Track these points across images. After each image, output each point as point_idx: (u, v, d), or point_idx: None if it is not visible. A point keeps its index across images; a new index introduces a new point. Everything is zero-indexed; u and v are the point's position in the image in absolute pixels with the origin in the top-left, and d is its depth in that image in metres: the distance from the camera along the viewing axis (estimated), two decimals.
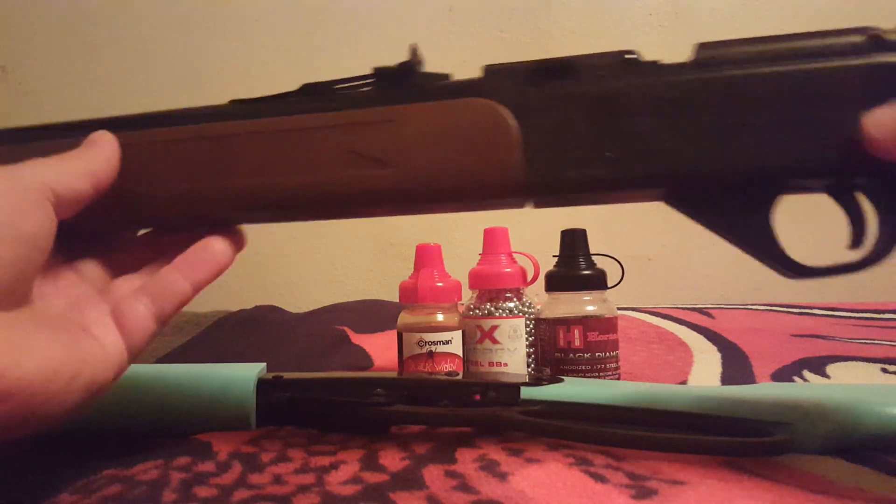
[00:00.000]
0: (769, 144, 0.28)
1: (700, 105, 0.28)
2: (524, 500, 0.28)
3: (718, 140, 0.28)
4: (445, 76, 0.32)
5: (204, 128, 0.32)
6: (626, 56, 0.30)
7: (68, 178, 0.29)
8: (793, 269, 0.29)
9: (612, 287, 0.52)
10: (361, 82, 0.32)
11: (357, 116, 0.31)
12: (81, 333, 0.28)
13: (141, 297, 0.30)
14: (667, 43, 1.21)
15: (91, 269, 0.32)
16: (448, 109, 0.30)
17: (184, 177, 0.32)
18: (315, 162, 0.31)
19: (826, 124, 0.28)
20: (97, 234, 0.34)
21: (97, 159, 0.31)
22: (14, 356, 0.24)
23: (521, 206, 0.31)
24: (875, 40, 0.28)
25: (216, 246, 0.32)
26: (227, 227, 0.33)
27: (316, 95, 0.32)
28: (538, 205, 0.32)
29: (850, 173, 0.29)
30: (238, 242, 0.33)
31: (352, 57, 1.21)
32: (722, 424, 0.34)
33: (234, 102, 0.33)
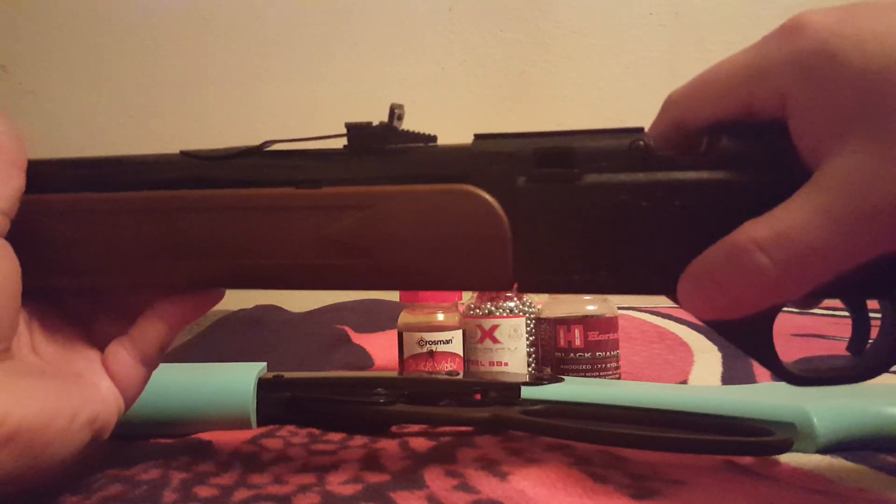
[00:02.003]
0: None
1: (709, 206, 0.25)
2: (524, 500, 0.28)
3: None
4: (430, 138, 0.29)
5: (155, 197, 0.28)
6: (635, 144, 0.26)
7: (1, 186, 0.26)
8: (787, 378, 0.27)
9: None
10: (332, 140, 0.28)
11: (327, 199, 0.27)
12: (75, 378, 0.28)
13: (124, 342, 0.30)
14: (667, 43, 1.21)
15: (76, 311, 0.31)
16: (431, 198, 0.27)
17: (135, 252, 0.28)
18: (281, 246, 0.28)
19: None
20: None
21: (4, 144, 0.27)
22: (13, 401, 0.24)
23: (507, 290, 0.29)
24: None
25: (197, 294, 0.30)
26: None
27: (280, 157, 0.29)
28: (523, 291, 0.29)
29: (863, 289, 0.26)
30: (217, 295, 0.31)
31: (351, 57, 1.21)
32: (722, 424, 0.34)
33: (185, 155, 0.29)
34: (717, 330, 0.27)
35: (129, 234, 0.29)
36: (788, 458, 0.33)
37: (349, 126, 0.28)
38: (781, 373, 0.28)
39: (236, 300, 0.96)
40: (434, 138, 0.29)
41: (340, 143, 0.29)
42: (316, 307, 0.97)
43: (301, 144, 0.29)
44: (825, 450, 0.33)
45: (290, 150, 0.29)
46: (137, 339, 0.30)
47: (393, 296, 0.55)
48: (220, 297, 0.31)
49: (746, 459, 0.33)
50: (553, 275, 0.27)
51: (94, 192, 0.29)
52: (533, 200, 0.26)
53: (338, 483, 0.31)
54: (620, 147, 0.26)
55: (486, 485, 0.30)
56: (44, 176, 0.29)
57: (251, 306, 0.96)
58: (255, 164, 0.29)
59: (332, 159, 0.29)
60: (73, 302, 0.31)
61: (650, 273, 0.26)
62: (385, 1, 1.22)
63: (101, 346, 0.30)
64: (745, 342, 0.27)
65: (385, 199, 0.27)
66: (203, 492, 0.31)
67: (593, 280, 0.27)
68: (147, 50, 1.21)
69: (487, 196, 0.26)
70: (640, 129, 0.27)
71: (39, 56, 1.21)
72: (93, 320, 0.31)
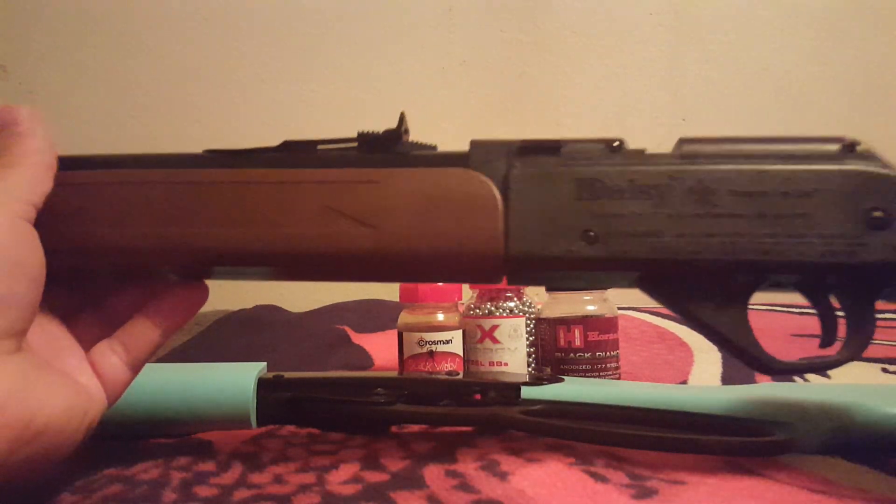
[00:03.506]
0: (744, 235, 0.29)
1: (680, 192, 0.29)
2: (524, 500, 0.28)
3: (696, 227, 0.29)
4: (432, 147, 0.32)
5: (176, 172, 0.31)
6: (613, 144, 0.31)
7: (37, 183, 0.27)
8: (765, 366, 0.30)
9: None
10: (345, 145, 0.32)
11: (339, 175, 0.30)
12: (72, 377, 0.28)
13: (115, 345, 0.30)
14: (667, 43, 1.21)
15: (60, 309, 0.31)
16: (432, 176, 0.30)
17: (152, 221, 0.30)
18: (291, 216, 0.30)
19: (798, 221, 0.29)
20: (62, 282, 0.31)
21: (43, 147, 0.28)
22: (43, 398, 0.24)
23: (497, 280, 0.31)
24: (848, 149, 0.30)
25: (185, 294, 0.31)
26: (193, 280, 0.32)
27: (297, 153, 0.31)
28: (512, 280, 0.32)
29: (821, 272, 0.29)
30: (203, 295, 0.32)
31: (351, 57, 1.21)
32: (722, 424, 0.34)
33: (209, 152, 0.32)
34: (691, 320, 0.30)
35: (155, 207, 0.30)
36: (788, 459, 0.33)
37: (360, 134, 0.31)
38: (758, 360, 0.30)
39: (236, 300, 0.96)
40: (435, 148, 0.32)
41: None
42: (316, 307, 0.97)
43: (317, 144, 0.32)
44: (825, 450, 0.33)
45: (307, 147, 0.32)
46: (128, 343, 0.30)
47: (393, 296, 0.55)
48: (205, 296, 0.32)
49: (746, 459, 0.33)
50: (540, 246, 0.30)
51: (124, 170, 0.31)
52: (523, 180, 0.30)
53: (338, 483, 0.31)
54: (598, 144, 0.31)
55: (486, 485, 0.30)
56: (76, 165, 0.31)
57: (251, 306, 0.96)
58: (274, 157, 0.31)
59: (345, 153, 0.32)
60: (56, 300, 0.31)
61: (624, 246, 0.29)
62: (385, 1, 1.22)
63: (84, 345, 0.30)
64: (719, 330, 0.30)
65: (390, 177, 0.30)
66: (203, 492, 0.31)
67: (575, 252, 0.30)
68: (147, 50, 1.21)
69: (483, 176, 0.30)
70: (620, 139, 0.31)
71: (39, 56, 1.21)
72: (76, 320, 0.31)
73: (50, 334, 0.29)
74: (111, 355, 0.30)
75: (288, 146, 0.31)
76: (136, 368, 0.30)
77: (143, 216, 0.30)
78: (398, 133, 0.31)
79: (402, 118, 0.31)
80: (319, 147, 0.32)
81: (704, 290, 0.30)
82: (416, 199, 0.30)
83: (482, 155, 0.30)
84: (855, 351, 0.30)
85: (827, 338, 0.32)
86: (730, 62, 1.20)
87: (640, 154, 0.31)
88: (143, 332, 0.30)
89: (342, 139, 0.31)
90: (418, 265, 0.30)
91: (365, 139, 0.31)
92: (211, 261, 0.30)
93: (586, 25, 1.23)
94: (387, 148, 0.31)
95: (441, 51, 1.21)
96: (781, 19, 1.20)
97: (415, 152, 0.31)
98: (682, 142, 0.31)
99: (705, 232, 0.29)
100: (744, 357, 0.30)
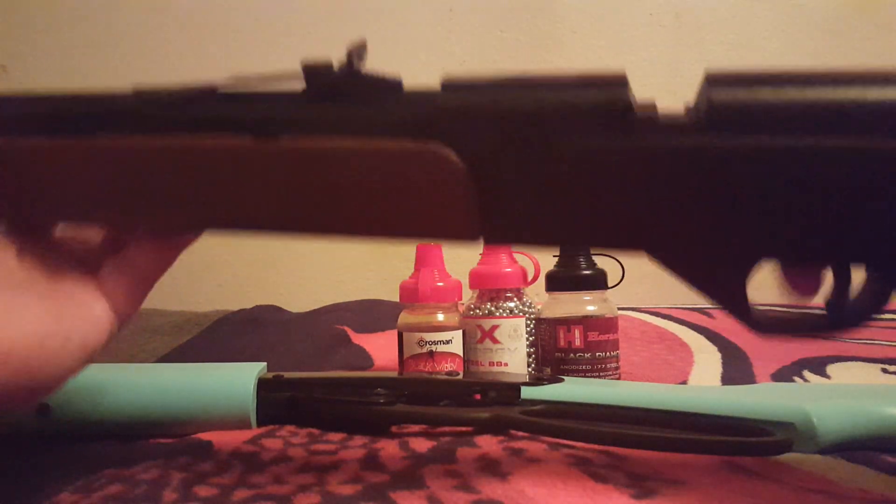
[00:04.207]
0: (770, 228, 0.24)
1: (697, 179, 0.24)
2: (524, 500, 0.28)
3: (708, 218, 0.25)
4: (395, 82, 0.27)
5: (109, 145, 0.27)
6: (613, 103, 0.25)
7: None
8: (755, 327, 0.27)
9: (612, 287, 0.52)
10: (288, 82, 0.27)
11: (289, 153, 0.26)
12: (66, 300, 0.27)
13: (120, 263, 0.29)
14: (667, 43, 1.21)
15: (63, 233, 0.30)
16: (397, 156, 0.25)
17: (89, 196, 0.28)
18: (241, 197, 0.27)
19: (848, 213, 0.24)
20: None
21: None
22: (3, 319, 0.24)
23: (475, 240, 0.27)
24: None
25: None
26: None
27: (238, 101, 0.27)
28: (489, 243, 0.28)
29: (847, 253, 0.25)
30: None
31: None
32: (722, 424, 0.34)
33: (139, 93, 0.27)
34: (682, 277, 0.27)
35: (83, 180, 0.28)
36: (788, 458, 0.33)
37: (306, 69, 0.26)
38: (750, 322, 0.27)
39: (236, 300, 0.96)
40: (399, 83, 0.27)
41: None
42: (316, 307, 0.97)
43: (257, 85, 0.28)
44: (825, 450, 0.33)
45: (249, 93, 0.27)
46: (136, 260, 0.29)
47: (393, 296, 0.55)
48: None
49: (746, 459, 0.33)
50: (520, 229, 0.26)
51: (47, 134, 0.28)
52: (502, 161, 0.25)
53: (338, 483, 0.31)
54: (598, 105, 0.25)
55: (486, 485, 0.30)
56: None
57: (251, 306, 0.96)
58: (213, 108, 0.27)
59: (291, 106, 0.27)
60: (58, 228, 0.30)
61: (623, 230, 0.26)
62: (385, 1, 1.22)
63: (91, 267, 0.29)
64: (713, 291, 0.26)
65: (348, 156, 0.26)
66: (203, 492, 0.31)
67: (564, 238, 0.26)
68: (147, 51, 1.21)
69: (454, 156, 0.25)
70: (623, 81, 0.25)
71: (39, 56, 1.21)
72: (81, 242, 0.30)
73: (50, 258, 0.28)
74: (117, 274, 0.29)
75: (225, 86, 0.27)
76: (146, 285, 0.29)
77: (78, 190, 0.28)
78: (352, 72, 0.26)
79: (349, 54, 0.26)
80: (261, 89, 0.27)
81: (705, 260, 0.26)
82: (376, 181, 0.26)
83: (454, 122, 0.25)
84: (860, 316, 0.26)
85: (836, 302, 0.27)
86: (730, 63, 1.20)
87: (649, 124, 0.25)
88: (149, 249, 0.29)
89: (286, 77, 0.27)
90: (388, 239, 0.27)
91: (312, 75, 0.26)
92: (166, 230, 0.29)
93: (586, 25, 1.23)
94: (341, 91, 0.26)
95: (441, 51, 1.21)
96: (781, 20, 1.20)
97: (375, 99, 0.26)
98: (710, 83, 0.25)
99: (716, 224, 0.25)
100: (736, 315, 0.27)
